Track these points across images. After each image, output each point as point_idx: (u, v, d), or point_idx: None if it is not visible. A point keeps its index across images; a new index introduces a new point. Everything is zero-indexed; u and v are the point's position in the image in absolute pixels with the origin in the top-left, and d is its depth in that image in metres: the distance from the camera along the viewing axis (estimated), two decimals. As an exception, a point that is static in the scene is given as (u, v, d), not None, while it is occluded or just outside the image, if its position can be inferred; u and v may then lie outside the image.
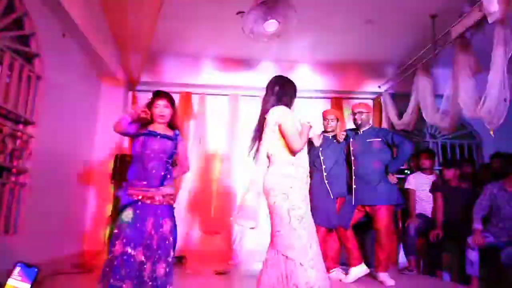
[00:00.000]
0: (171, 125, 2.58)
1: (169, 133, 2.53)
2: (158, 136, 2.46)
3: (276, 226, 2.12)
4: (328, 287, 2.04)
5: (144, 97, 5.03)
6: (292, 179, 2.16)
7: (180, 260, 4.62)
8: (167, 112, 2.52)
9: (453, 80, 3.77)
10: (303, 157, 2.28)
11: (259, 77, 5.36)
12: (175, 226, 2.48)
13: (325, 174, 3.74)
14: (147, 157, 2.40)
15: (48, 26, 3.44)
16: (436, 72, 4.75)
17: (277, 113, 2.26)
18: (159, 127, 2.51)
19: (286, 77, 2.51)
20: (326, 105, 5.47)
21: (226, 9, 3.98)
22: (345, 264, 3.75)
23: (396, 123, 4.94)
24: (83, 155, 4.42)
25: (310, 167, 3.80)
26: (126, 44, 4.20)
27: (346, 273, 3.66)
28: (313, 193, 3.66)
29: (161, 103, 2.50)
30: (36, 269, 1.90)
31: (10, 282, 1.86)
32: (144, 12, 3.74)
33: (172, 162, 2.54)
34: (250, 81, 5.36)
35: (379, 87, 5.40)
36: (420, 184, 4.28)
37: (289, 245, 2.03)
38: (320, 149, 3.80)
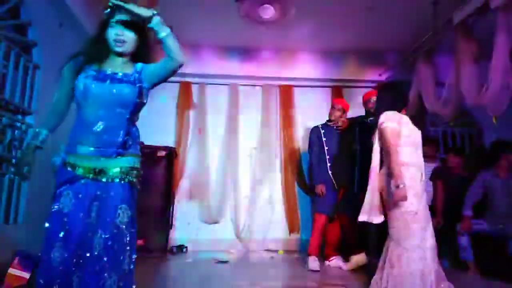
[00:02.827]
0: (139, 59, 1.70)
1: (129, 70, 1.66)
2: (108, 81, 1.59)
3: (392, 221, 2.31)
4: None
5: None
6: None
7: (180, 249, 4.66)
8: (130, 37, 1.62)
9: (455, 68, 3.73)
10: (416, 156, 2.43)
11: (259, 67, 5.34)
12: (134, 218, 1.61)
13: (329, 164, 3.76)
14: (93, 113, 1.58)
15: (45, 15, 3.39)
16: (437, 59, 4.70)
17: (381, 118, 2.44)
18: (115, 63, 1.65)
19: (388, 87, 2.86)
20: (326, 94, 5.44)
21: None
22: (346, 253, 3.77)
23: (396, 111, 4.90)
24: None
25: (316, 157, 3.86)
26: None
27: (346, 261, 3.69)
28: (319, 183, 3.74)
29: (122, 18, 1.59)
30: (35, 259, 1.90)
31: (11, 271, 1.87)
32: (141, 0, 3.69)
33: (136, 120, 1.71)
34: (250, 70, 5.32)
35: (380, 75, 5.35)
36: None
37: (404, 236, 2.23)
38: (324, 139, 3.83)
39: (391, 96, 2.60)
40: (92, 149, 1.56)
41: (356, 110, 4.26)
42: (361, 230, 3.73)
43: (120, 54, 1.64)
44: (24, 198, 3.15)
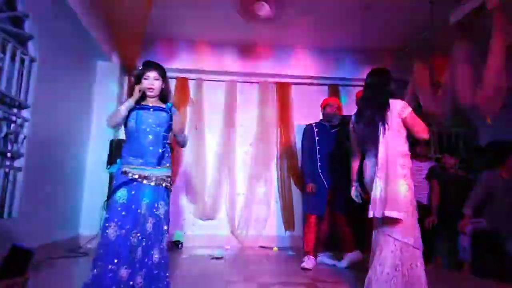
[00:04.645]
0: (163, 98, 2.49)
1: (162, 105, 2.45)
2: (151, 109, 2.37)
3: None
4: None
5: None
6: (408, 169, 2.34)
7: (176, 245, 4.66)
8: (158, 84, 2.40)
9: (451, 67, 3.75)
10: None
11: (256, 63, 5.34)
12: (169, 211, 2.38)
13: (319, 164, 3.73)
14: (143, 132, 2.31)
15: (41, 7, 3.36)
16: (433, 59, 4.73)
17: (399, 106, 2.43)
18: (150, 101, 2.42)
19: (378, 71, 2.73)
20: (323, 91, 5.45)
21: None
22: (341, 250, 3.79)
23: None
24: (78, 138, 4.39)
25: (307, 156, 3.81)
26: (121, 28, 4.12)
27: (335, 258, 3.72)
28: (310, 181, 3.71)
29: (151, 74, 2.38)
30: (30, 253, 1.90)
31: None
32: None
33: (169, 139, 2.46)
34: (248, 67, 5.32)
35: (377, 74, 5.36)
36: (414, 171, 4.28)
37: (411, 232, 2.26)
38: (317, 138, 3.79)
39: (384, 81, 2.63)
40: (141, 160, 2.27)
41: (353, 109, 4.27)
42: (357, 227, 3.74)
43: (151, 97, 2.41)
44: (19, 192, 3.13)
